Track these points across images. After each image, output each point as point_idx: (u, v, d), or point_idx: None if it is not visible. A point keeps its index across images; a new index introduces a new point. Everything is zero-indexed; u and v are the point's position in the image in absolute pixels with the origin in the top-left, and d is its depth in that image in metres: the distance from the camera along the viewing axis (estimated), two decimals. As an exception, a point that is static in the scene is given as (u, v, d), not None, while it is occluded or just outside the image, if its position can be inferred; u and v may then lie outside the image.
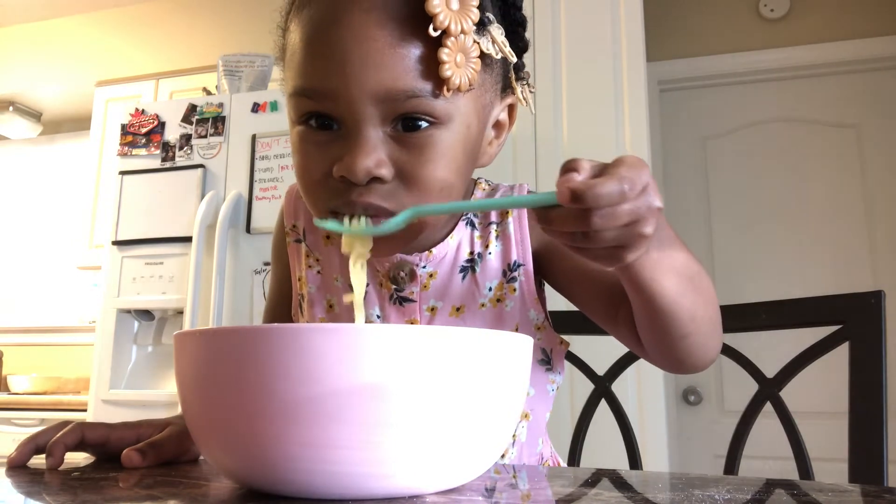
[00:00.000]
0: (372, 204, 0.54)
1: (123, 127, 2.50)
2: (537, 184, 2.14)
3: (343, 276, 0.71)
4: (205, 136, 2.38)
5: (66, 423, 0.60)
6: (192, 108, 2.44)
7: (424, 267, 0.67)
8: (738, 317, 0.89)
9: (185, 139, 2.41)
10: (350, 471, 0.36)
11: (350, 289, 0.69)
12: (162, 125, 2.45)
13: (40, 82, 3.52)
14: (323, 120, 0.56)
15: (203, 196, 2.27)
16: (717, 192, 2.61)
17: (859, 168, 2.48)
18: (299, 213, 0.75)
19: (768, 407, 0.81)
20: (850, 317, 0.78)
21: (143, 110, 2.51)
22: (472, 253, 0.69)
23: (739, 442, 0.83)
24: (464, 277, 0.68)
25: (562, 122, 2.16)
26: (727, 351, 0.87)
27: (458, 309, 0.68)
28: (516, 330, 0.68)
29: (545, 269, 0.70)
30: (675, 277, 0.52)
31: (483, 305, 0.68)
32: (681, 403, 2.51)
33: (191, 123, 2.42)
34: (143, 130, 2.47)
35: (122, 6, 3.45)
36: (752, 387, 0.83)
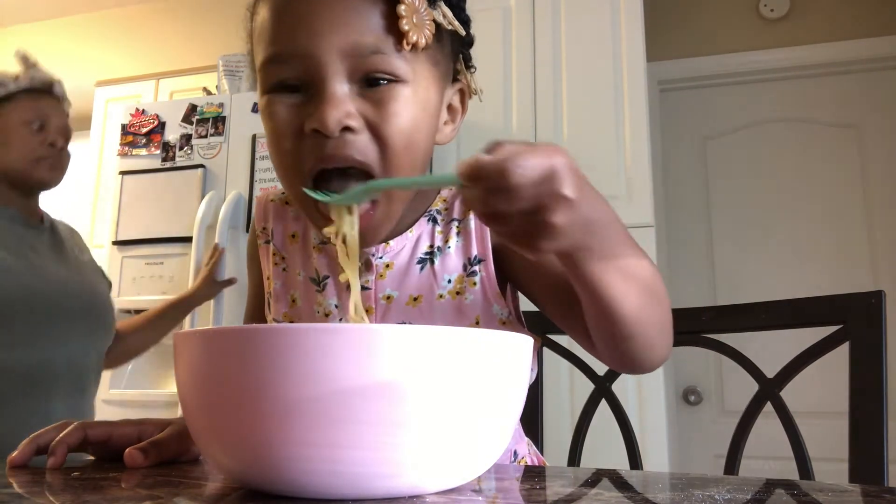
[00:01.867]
0: (349, 156, 0.58)
1: (123, 127, 2.50)
2: (537, 184, 2.14)
3: (305, 270, 0.74)
4: (205, 136, 2.38)
5: (67, 422, 0.60)
6: (193, 108, 2.44)
7: (381, 258, 0.70)
8: (738, 317, 0.89)
9: (186, 139, 2.41)
10: (352, 471, 0.36)
11: (312, 283, 0.73)
12: (162, 125, 2.46)
13: (40, 82, 3.52)
14: (293, 84, 0.59)
15: (203, 196, 2.27)
16: (717, 192, 2.62)
17: (859, 168, 2.48)
18: (268, 217, 0.79)
19: (768, 407, 0.81)
20: (851, 317, 0.78)
21: (143, 110, 2.51)
22: (431, 246, 0.71)
23: (739, 442, 0.83)
24: (422, 269, 0.70)
25: (562, 122, 2.16)
26: (727, 351, 0.88)
27: (415, 299, 0.69)
28: (476, 322, 0.69)
29: (505, 266, 0.71)
30: (621, 279, 0.52)
31: (441, 297, 0.69)
32: (681, 403, 2.51)
33: (191, 123, 2.42)
34: (144, 130, 2.47)
35: (122, 6, 3.46)
36: (752, 387, 0.84)
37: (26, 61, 1.38)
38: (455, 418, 0.37)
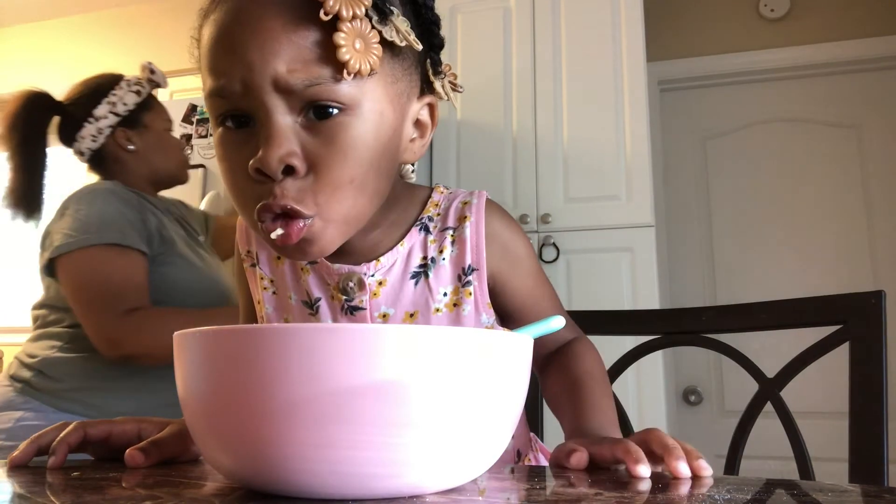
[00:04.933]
0: (287, 207, 0.54)
1: (124, 127, 2.49)
2: (538, 183, 2.14)
3: (296, 293, 0.72)
4: (205, 136, 2.38)
5: (67, 423, 0.60)
6: (193, 108, 2.44)
7: (372, 276, 0.68)
8: (738, 317, 0.89)
9: (186, 139, 2.41)
10: (352, 471, 0.36)
11: (305, 306, 0.71)
12: (162, 125, 2.46)
13: (40, 82, 3.52)
14: (238, 119, 0.56)
15: (204, 196, 2.27)
16: (717, 192, 2.62)
17: (859, 168, 2.49)
18: (251, 240, 0.76)
19: (769, 407, 0.81)
20: (851, 317, 0.78)
21: (143, 110, 2.50)
22: (424, 258, 0.69)
23: (739, 442, 0.83)
24: (416, 283, 0.69)
25: (562, 122, 2.16)
26: (727, 351, 0.88)
27: (411, 315, 0.68)
28: None
29: (494, 292, 0.71)
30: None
31: (438, 311, 0.68)
32: (681, 403, 2.51)
33: (191, 123, 2.42)
34: (144, 130, 2.47)
35: (121, 6, 3.46)
36: (752, 387, 0.84)
37: (147, 67, 1.48)
38: (455, 418, 0.37)
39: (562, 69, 2.20)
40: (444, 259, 0.69)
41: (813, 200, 2.50)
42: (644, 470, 0.48)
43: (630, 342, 0.96)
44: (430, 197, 0.73)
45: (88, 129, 1.38)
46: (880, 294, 0.77)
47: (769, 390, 0.82)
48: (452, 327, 0.38)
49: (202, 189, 2.30)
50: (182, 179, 1.48)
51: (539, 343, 0.73)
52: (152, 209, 1.35)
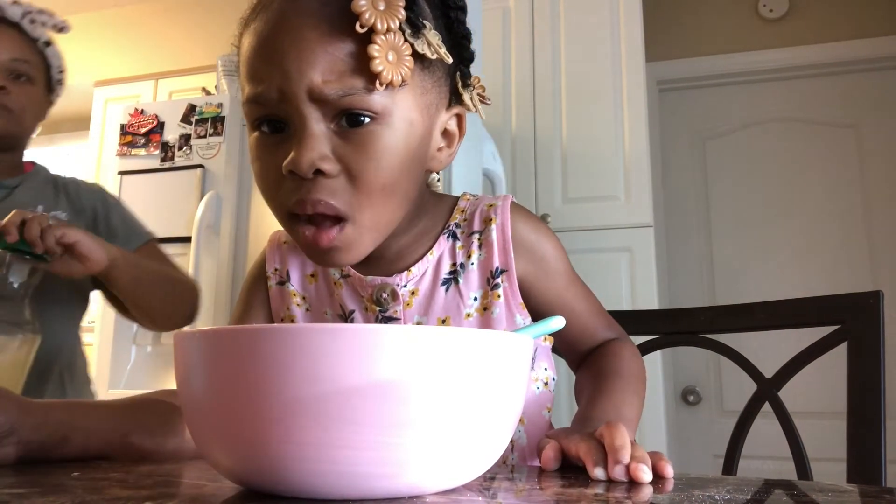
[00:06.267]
0: (320, 200, 0.56)
1: (123, 127, 2.50)
2: (536, 183, 2.14)
3: (331, 308, 0.73)
4: (204, 136, 2.38)
5: None
6: (192, 109, 2.44)
7: (405, 286, 0.69)
8: (736, 317, 0.89)
9: (185, 139, 2.41)
10: (352, 471, 0.36)
11: (339, 319, 0.72)
12: (161, 125, 2.46)
13: (39, 82, 3.52)
14: (274, 124, 0.58)
15: (202, 196, 2.27)
16: (717, 192, 2.62)
17: (858, 168, 2.49)
18: (284, 259, 0.77)
19: (767, 407, 0.82)
20: (849, 317, 0.78)
21: (142, 110, 2.51)
22: (453, 265, 0.70)
23: (738, 442, 0.83)
24: (447, 290, 0.70)
25: (561, 122, 2.17)
26: (726, 351, 0.88)
27: (443, 321, 0.69)
28: None
29: (524, 294, 0.72)
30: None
31: (469, 315, 0.69)
32: (680, 403, 2.51)
33: (190, 123, 2.42)
34: (143, 130, 2.47)
35: (120, 6, 3.45)
36: (750, 387, 0.84)
37: None
38: (455, 418, 0.37)
39: (561, 69, 2.20)
40: (472, 264, 0.70)
41: (812, 200, 2.50)
42: (599, 472, 0.47)
43: (629, 342, 0.96)
44: (456, 204, 0.74)
45: None
46: (878, 294, 0.77)
47: (767, 390, 0.82)
48: (451, 327, 0.38)
49: (201, 189, 2.30)
50: None
51: (576, 342, 0.76)
52: None
